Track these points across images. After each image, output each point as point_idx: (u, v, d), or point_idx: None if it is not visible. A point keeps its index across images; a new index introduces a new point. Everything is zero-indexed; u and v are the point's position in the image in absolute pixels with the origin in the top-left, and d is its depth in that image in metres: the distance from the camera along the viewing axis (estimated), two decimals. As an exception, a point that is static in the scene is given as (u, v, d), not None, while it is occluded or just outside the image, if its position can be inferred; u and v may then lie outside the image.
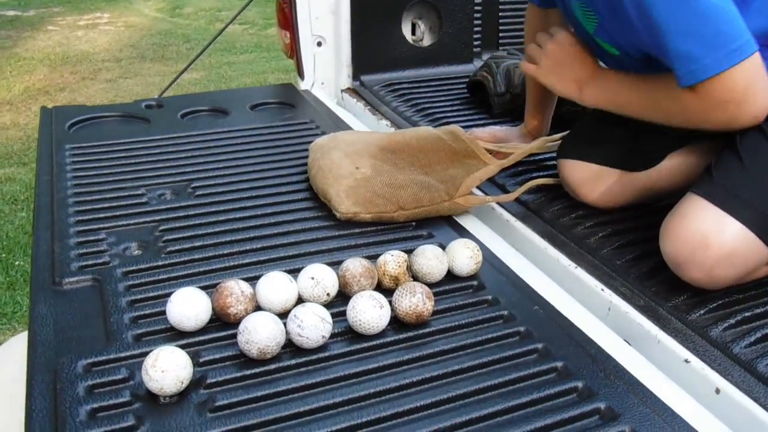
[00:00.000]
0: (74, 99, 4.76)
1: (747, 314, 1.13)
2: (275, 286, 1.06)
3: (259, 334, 0.95)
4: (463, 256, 1.16)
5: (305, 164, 1.56)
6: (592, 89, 1.33)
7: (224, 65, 5.70)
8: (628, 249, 1.31)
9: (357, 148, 1.45)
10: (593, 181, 1.41)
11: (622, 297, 1.19)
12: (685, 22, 1.07)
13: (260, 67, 5.70)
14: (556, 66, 1.36)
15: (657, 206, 1.43)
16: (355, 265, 1.10)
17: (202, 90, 4.87)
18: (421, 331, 1.05)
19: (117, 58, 5.67)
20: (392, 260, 1.13)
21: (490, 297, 1.14)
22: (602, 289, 1.21)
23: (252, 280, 1.14)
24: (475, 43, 2.31)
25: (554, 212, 1.43)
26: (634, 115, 1.28)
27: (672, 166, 1.39)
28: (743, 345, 1.07)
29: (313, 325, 0.98)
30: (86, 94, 4.90)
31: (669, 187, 1.39)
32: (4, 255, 2.94)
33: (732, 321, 1.12)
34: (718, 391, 1.02)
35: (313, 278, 1.08)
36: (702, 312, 1.14)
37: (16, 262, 2.89)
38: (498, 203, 1.46)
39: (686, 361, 1.06)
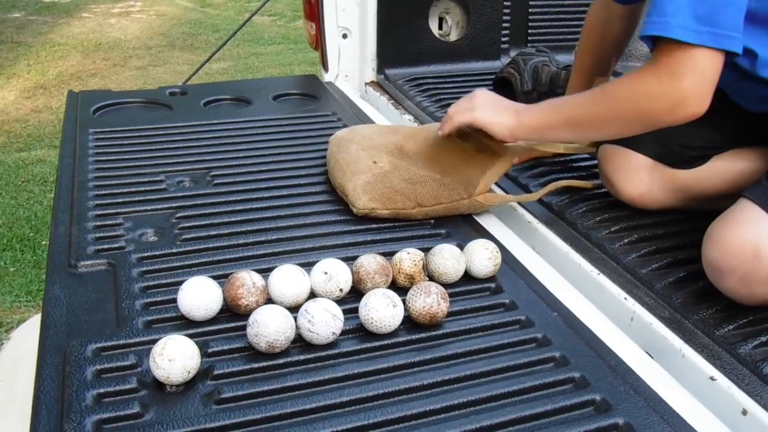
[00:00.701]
0: (105, 85, 4.79)
1: (777, 332, 1.09)
2: (288, 279, 1.03)
3: (269, 327, 0.93)
4: (481, 257, 1.13)
5: (325, 157, 1.54)
6: (530, 112, 1.29)
7: (251, 56, 5.70)
8: (654, 257, 1.27)
9: (375, 143, 1.41)
10: (631, 171, 1.38)
11: (645, 307, 1.16)
12: None
13: (287, 59, 5.70)
14: (489, 100, 1.33)
15: (687, 214, 1.39)
16: (369, 262, 1.08)
17: (228, 79, 4.88)
18: (434, 333, 1.03)
19: (147, 46, 5.69)
20: (408, 258, 1.10)
21: (507, 300, 1.11)
22: (625, 298, 1.18)
23: (265, 272, 1.12)
24: (503, 39, 2.27)
25: (578, 215, 1.40)
26: (578, 128, 1.25)
27: (716, 168, 1.35)
28: (773, 365, 1.03)
29: (324, 321, 0.95)
30: (116, 80, 4.92)
31: (710, 191, 1.35)
32: (32, 234, 2.96)
33: (763, 338, 1.07)
34: (745, 412, 0.98)
35: (326, 273, 1.05)
36: (731, 327, 1.10)
37: (43, 242, 2.91)
38: (520, 203, 1.43)
39: (712, 378, 1.02)
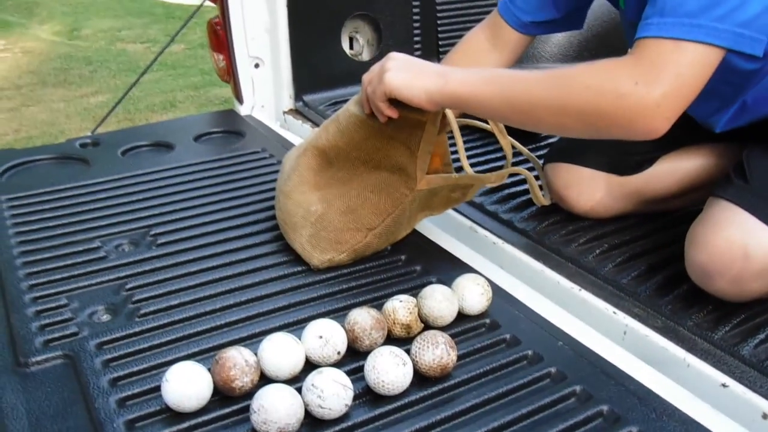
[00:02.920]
0: (-24, 133, 4.45)
1: (775, 328, 1.08)
2: (281, 351, 0.94)
3: (278, 412, 0.83)
4: (474, 294, 1.08)
5: (268, 198, 1.45)
6: (458, 77, 1.07)
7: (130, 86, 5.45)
8: (630, 265, 1.25)
9: (294, 182, 1.29)
10: (580, 185, 1.35)
11: (637, 319, 1.13)
12: None
13: (168, 86, 5.48)
14: (404, 62, 1.11)
15: (645, 217, 1.38)
16: (363, 318, 1.00)
17: (113, 113, 4.63)
18: (445, 384, 0.96)
19: (17, 86, 5.34)
20: (402, 307, 1.03)
21: (508, 336, 1.06)
22: (614, 312, 1.15)
23: (246, 341, 1.03)
24: (416, 53, 2.23)
25: (542, 231, 1.36)
26: (514, 109, 1.05)
27: (664, 169, 1.34)
28: (780, 363, 1.02)
29: (335, 394, 0.87)
30: (-12, 125, 4.58)
31: (661, 192, 1.34)
32: None
33: (761, 336, 1.07)
34: (765, 416, 0.96)
35: (321, 337, 0.97)
36: (727, 329, 1.09)
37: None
38: (480, 224, 1.38)
39: (724, 385, 1.00)
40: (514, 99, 1.04)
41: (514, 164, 1.42)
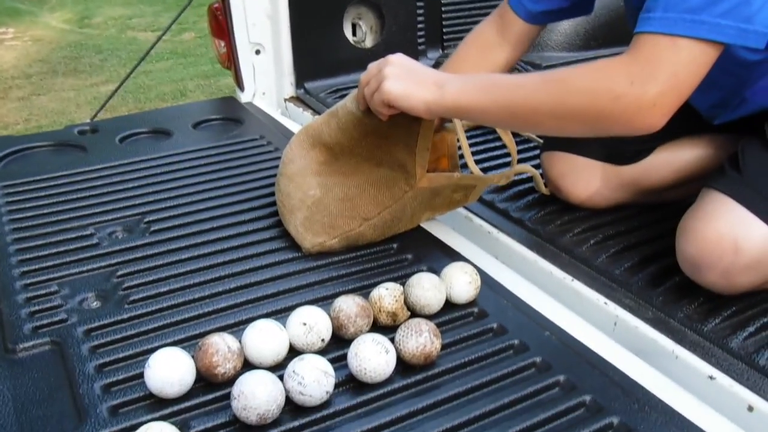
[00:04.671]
0: (-13, 122, 4.47)
1: (765, 320, 1.07)
2: (264, 338, 0.94)
3: (258, 398, 0.84)
4: (461, 282, 1.07)
5: (264, 186, 1.45)
6: (456, 86, 1.07)
7: (140, 74, 5.45)
8: (623, 256, 1.24)
9: (297, 167, 1.29)
10: (576, 173, 1.34)
11: (628, 310, 1.12)
12: None
13: (178, 75, 5.49)
14: (402, 69, 1.10)
15: (641, 208, 1.38)
16: (349, 305, 1.00)
17: (121, 102, 4.65)
18: (429, 373, 0.96)
19: (27, 75, 5.36)
20: (388, 295, 1.02)
21: (495, 325, 1.05)
22: (605, 303, 1.14)
23: (233, 328, 1.04)
24: (419, 40, 2.22)
25: (537, 221, 1.35)
26: (514, 116, 1.06)
27: (661, 160, 1.32)
28: (768, 356, 1.01)
29: (316, 381, 0.87)
30: (-1, 114, 4.61)
31: (658, 183, 1.33)
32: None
33: (751, 329, 1.06)
34: (751, 408, 0.95)
35: (305, 324, 0.97)
36: (717, 321, 1.08)
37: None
38: (475, 213, 1.37)
39: (711, 377, 0.99)
40: (512, 107, 1.04)
41: (519, 161, 1.42)
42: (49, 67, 5.54)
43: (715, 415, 0.94)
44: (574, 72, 1.01)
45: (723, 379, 0.99)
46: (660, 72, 0.93)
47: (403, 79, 1.08)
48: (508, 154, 1.41)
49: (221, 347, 0.91)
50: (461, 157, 1.36)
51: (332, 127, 1.25)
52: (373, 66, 1.13)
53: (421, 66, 1.13)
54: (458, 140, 1.35)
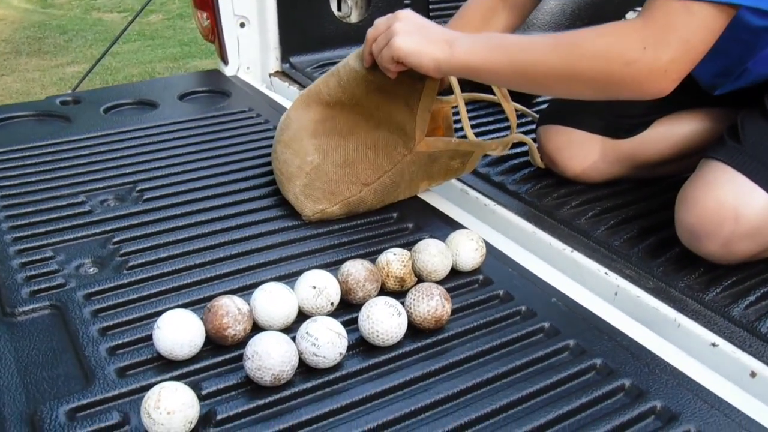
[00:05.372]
0: (-51, 101, 4.35)
1: (765, 289, 1.08)
2: (274, 300, 0.93)
3: (273, 358, 0.82)
4: (467, 249, 1.07)
5: (257, 156, 1.43)
6: (467, 45, 1.06)
7: (107, 56, 5.34)
8: (622, 228, 1.25)
9: (293, 132, 1.27)
10: (573, 147, 1.34)
11: (629, 280, 1.13)
12: None
13: (146, 57, 5.40)
14: (413, 25, 1.08)
15: (642, 181, 1.38)
16: (357, 269, 0.99)
17: (88, 84, 4.55)
18: (439, 337, 0.95)
19: (-11, 54, 5.24)
20: (396, 260, 1.02)
21: (501, 292, 1.05)
22: (606, 273, 1.14)
23: (237, 293, 1.02)
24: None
25: (534, 194, 1.35)
26: (525, 77, 1.05)
27: (658, 133, 1.33)
28: (770, 323, 1.02)
29: (330, 343, 0.86)
30: (-39, 94, 4.50)
31: (654, 157, 1.34)
32: None
33: (752, 298, 1.07)
34: (753, 374, 0.96)
35: (314, 287, 0.95)
36: (718, 290, 1.09)
37: None
38: (471, 187, 1.37)
39: (714, 344, 1.01)
40: (523, 68, 1.04)
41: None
42: (13, 47, 5.41)
43: (721, 380, 0.95)
44: (585, 35, 1.00)
45: (725, 346, 1.00)
46: (673, 38, 0.93)
47: (414, 36, 1.07)
48: (504, 128, 1.42)
49: (231, 309, 0.90)
50: (459, 129, 1.35)
51: (332, 85, 1.24)
52: (381, 21, 1.12)
53: (431, 23, 1.11)
54: (455, 108, 1.34)
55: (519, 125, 1.56)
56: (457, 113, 1.34)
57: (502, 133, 1.56)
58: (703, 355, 1.00)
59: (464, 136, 1.30)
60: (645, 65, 0.95)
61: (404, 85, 1.17)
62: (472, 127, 1.45)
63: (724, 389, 0.92)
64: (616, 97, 1.02)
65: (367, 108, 1.22)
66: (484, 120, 1.64)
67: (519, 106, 1.40)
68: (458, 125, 1.41)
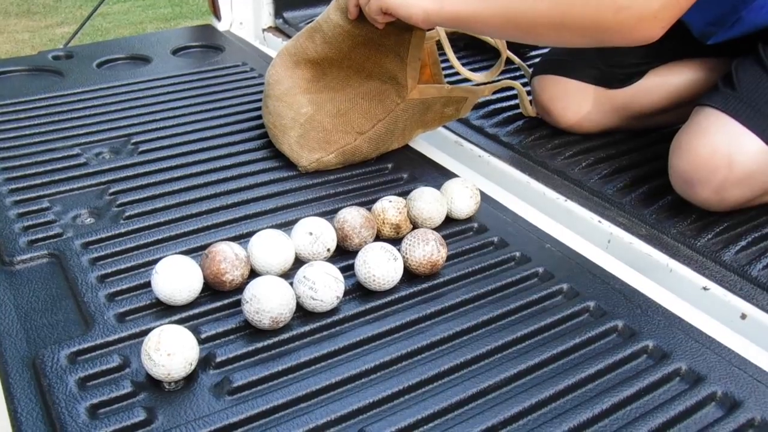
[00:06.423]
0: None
1: (756, 235, 1.10)
2: (271, 246, 0.94)
3: (272, 301, 0.83)
4: (463, 197, 1.08)
5: (252, 109, 1.43)
6: None
7: (97, 17, 5.28)
8: (615, 177, 1.26)
9: (285, 87, 1.27)
10: (568, 97, 1.35)
11: (622, 227, 1.14)
12: None
13: (136, 17, 5.35)
14: None
15: (636, 132, 1.39)
16: (353, 216, 0.99)
17: (78, 45, 4.51)
18: (434, 282, 0.97)
19: (-23, 15, 5.17)
20: (391, 207, 1.02)
21: (495, 239, 1.06)
22: (599, 221, 1.16)
23: (234, 241, 1.02)
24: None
25: (528, 145, 1.36)
26: (515, 26, 1.04)
27: (652, 83, 1.33)
28: (760, 267, 1.03)
29: (327, 286, 0.87)
30: (-51, 55, 4.45)
31: (648, 107, 1.34)
32: None
33: (743, 243, 1.08)
34: (744, 316, 0.98)
35: (311, 233, 0.96)
36: (709, 236, 1.10)
37: None
38: (465, 139, 1.37)
39: (705, 288, 1.02)
40: (514, 17, 1.03)
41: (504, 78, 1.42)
42: (1, 8, 5.35)
43: (712, 321, 0.97)
44: None
45: (717, 290, 1.01)
46: None
47: None
48: (490, 66, 1.41)
49: (229, 254, 0.90)
50: (449, 68, 1.34)
51: (317, 42, 1.23)
52: None
53: None
54: (439, 46, 1.34)
55: (508, 71, 1.56)
56: (443, 53, 1.34)
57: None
58: (695, 298, 1.02)
59: (456, 82, 1.30)
60: (635, 12, 0.95)
61: (392, 36, 1.17)
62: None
63: (715, 330, 0.94)
64: (606, 43, 1.01)
65: (357, 61, 1.22)
66: (470, 59, 1.64)
67: (511, 55, 1.39)
68: (450, 71, 1.41)
